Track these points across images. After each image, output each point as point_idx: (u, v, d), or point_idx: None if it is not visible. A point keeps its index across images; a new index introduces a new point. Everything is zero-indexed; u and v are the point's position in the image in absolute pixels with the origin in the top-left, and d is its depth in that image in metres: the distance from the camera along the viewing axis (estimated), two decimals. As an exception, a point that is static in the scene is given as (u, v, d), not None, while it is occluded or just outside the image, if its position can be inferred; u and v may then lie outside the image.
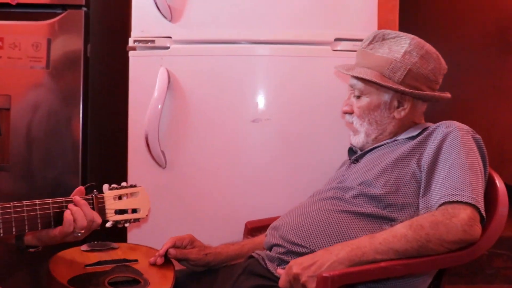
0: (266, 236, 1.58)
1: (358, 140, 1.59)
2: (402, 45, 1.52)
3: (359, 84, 1.56)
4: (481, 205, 1.33)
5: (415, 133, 1.53)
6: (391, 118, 1.55)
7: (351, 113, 1.59)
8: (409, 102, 1.55)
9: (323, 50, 1.87)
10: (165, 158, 1.88)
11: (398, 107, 1.55)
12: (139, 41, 1.88)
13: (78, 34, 2.12)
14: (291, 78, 1.87)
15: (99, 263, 1.45)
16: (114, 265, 1.44)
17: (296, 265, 1.28)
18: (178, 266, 1.56)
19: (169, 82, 1.84)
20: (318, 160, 1.87)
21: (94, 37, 2.21)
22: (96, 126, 2.29)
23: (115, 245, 1.58)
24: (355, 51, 1.67)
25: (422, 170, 1.44)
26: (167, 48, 1.87)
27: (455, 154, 1.40)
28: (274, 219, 1.62)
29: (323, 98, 1.88)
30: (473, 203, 1.31)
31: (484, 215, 1.34)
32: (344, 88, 1.77)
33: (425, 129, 1.52)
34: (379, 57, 1.53)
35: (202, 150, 1.88)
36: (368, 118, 1.56)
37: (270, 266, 1.45)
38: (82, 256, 1.49)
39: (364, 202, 1.44)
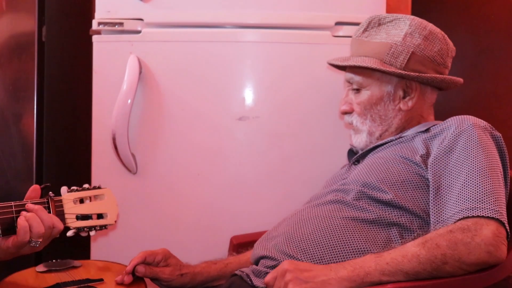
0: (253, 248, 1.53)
1: (360, 140, 1.55)
2: (401, 28, 1.49)
3: (357, 77, 1.53)
4: (505, 219, 1.24)
5: (423, 129, 1.47)
6: (397, 110, 1.51)
7: (350, 112, 1.55)
8: (416, 90, 1.51)
9: (322, 35, 1.81)
10: (135, 162, 1.84)
11: (404, 97, 1.52)
12: (105, 24, 1.83)
13: (30, 14, 2.06)
14: (284, 69, 1.82)
15: (57, 285, 1.38)
16: (76, 286, 1.38)
17: (290, 263, 1.24)
18: (151, 285, 1.52)
19: (140, 72, 1.80)
20: (315, 165, 1.82)
21: (50, 18, 2.15)
22: (53, 124, 2.25)
23: (76, 263, 1.53)
24: (359, 37, 1.73)
25: (429, 172, 1.37)
26: (138, 32, 1.83)
27: (472, 158, 1.32)
28: (264, 233, 1.56)
29: (321, 92, 1.82)
30: (497, 217, 1.22)
31: (508, 229, 1.24)
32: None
33: (435, 126, 1.46)
34: (376, 43, 1.50)
35: (179, 153, 1.83)
36: (371, 113, 1.52)
37: (256, 281, 1.38)
38: (38, 279, 1.43)
39: (368, 205, 1.37)
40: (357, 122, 1.53)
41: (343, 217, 1.36)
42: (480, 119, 1.40)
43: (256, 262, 1.44)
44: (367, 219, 1.35)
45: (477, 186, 1.27)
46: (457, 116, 1.41)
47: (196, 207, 1.82)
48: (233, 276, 1.46)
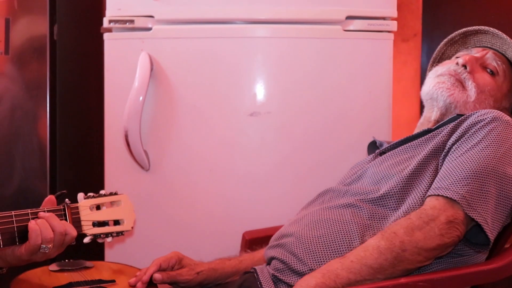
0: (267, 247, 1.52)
1: (453, 94, 1.49)
2: None
3: (496, 63, 1.52)
4: (468, 205, 1.23)
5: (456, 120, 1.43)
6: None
7: (465, 66, 1.50)
8: None
9: (332, 30, 1.81)
10: (148, 159, 1.85)
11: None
12: (116, 21, 1.84)
13: (42, 13, 2.05)
14: (295, 64, 1.81)
15: (70, 284, 1.39)
16: (88, 286, 1.39)
17: None
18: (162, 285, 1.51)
19: (151, 69, 1.80)
20: (328, 161, 1.82)
21: (61, 17, 2.15)
22: (66, 122, 2.25)
23: (89, 263, 1.53)
24: (370, 31, 1.67)
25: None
26: (149, 29, 1.83)
27: (474, 141, 1.31)
28: (276, 229, 1.55)
29: (332, 87, 1.82)
30: (456, 199, 1.22)
31: (474, 217, 1.23)
32: (356, 76, 1.79)
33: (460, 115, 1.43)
34: None
35: (191, 150, 1.83)
36: (487, 101, 1.51)
37: (264, 284, 1.39)
38: (50, 277, 1.44)
39: (384, 209, 1.35)
40: (471, 85, 1.50)
41: (356, 223, 1.35)
42: (505, 114, 1.38)
43: (269, 262, 1.45)
44: (382, 227, 1.33)
45: (463, 170, 1.26)
46: (482, 109, 1.40)
47: (208, 203, 1.82)
48: (247, 273, 1.47)
